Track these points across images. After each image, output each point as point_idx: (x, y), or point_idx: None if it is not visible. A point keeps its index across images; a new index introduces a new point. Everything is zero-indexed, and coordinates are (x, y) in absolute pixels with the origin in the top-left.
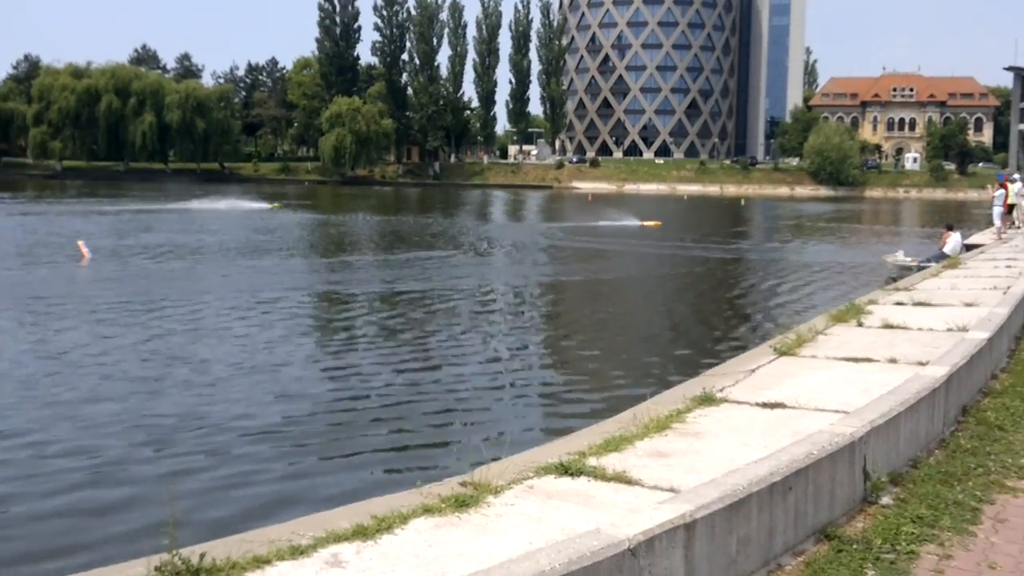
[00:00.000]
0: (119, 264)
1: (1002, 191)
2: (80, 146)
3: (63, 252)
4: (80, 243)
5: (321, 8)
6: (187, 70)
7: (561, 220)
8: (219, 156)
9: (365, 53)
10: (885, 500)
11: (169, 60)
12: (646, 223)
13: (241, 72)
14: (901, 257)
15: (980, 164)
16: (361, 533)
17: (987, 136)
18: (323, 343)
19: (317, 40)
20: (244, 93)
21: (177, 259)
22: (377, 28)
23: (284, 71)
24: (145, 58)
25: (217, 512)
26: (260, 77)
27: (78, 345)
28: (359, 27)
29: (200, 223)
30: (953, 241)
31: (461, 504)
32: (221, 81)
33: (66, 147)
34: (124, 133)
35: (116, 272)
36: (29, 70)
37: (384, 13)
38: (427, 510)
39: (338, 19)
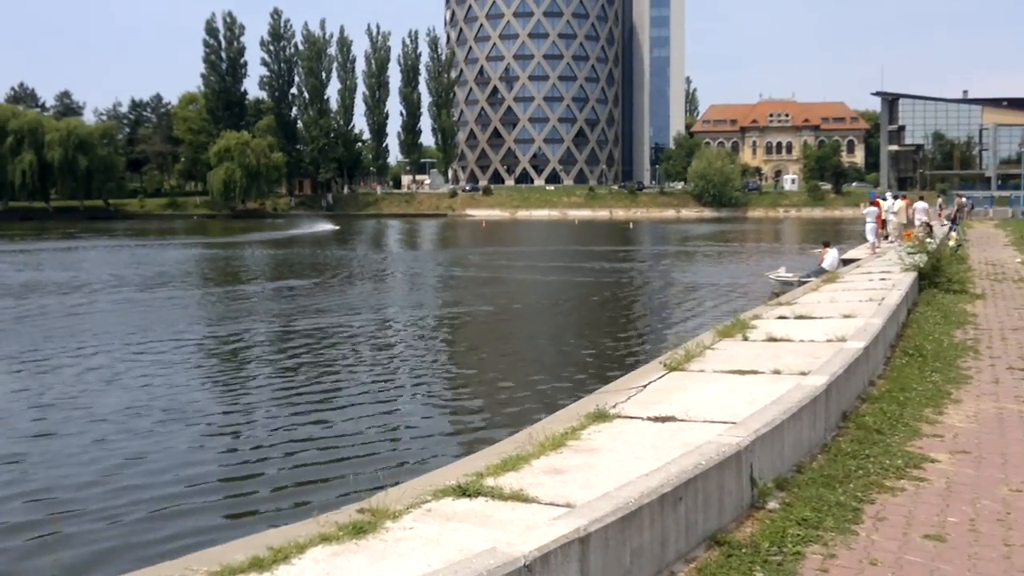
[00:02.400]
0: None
1: (873, 208)
2: None
3: None
4: None
5: (206, 44)
6: (67, 108)
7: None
8: (103, 193)
9: (253, 87)
10: (772, 505)
11: (48, 98)
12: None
13: (124, 108)
14: (783, 273)
15: (854, 183)
16: (257, 565)
17: (859, 157)
18: (218, 378)
19: (203, 75)
20: (128, 129)
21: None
22: (265, 63)
23: (169, 107)
24: (23, 96)
25: (105, 552)
26: (144, 113)
27: None
28: (246, 62)
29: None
30: (831, 257)
31: (359, 531)
32: (104, 118)
33: None
34: (1, 172)
35: None
36: None
37: (271, 48)
38: (324, 538)
39: (224, 55)
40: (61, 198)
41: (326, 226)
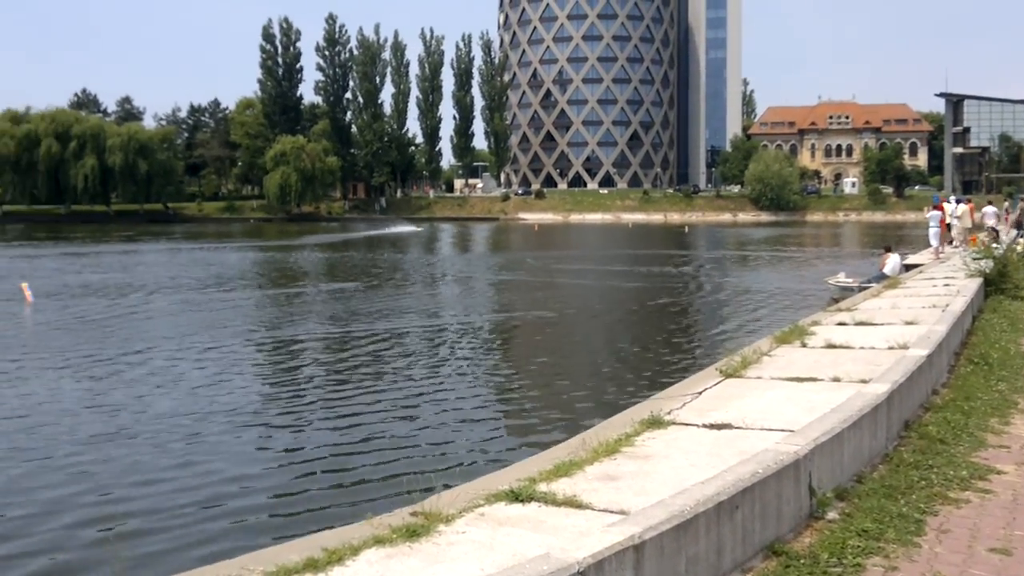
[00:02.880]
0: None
1: (937, 212)
2: (20, 191)
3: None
4: (23, 285)
5: (263, 50)
6: (128, 113)
7: None
8: (162, 197)
9: (308, 92)
10: (831, 515)
11: (110, 103)
12: None
13: (183, 113)
14: (843, 278)
15: (916, 187)
16: (312, 566)
17: (922, 160)
18: (273, 380)
19: (259, 81)
20: (187, 134)
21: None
22: (320, 68)
23: (226, 111)
24: (86, 102)
25: (165, 552)
26: (202, 118)
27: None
28: (301, 67)
29: None
30: (892, 262)
31: (412, 534)
32: (163, 123)
33: (6, 192)
34: (65, 177)
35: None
36: None
37: (326, 53)
38: (378, 541)
39: (280, 60)
40: (122, 202)
41: (407, 228)
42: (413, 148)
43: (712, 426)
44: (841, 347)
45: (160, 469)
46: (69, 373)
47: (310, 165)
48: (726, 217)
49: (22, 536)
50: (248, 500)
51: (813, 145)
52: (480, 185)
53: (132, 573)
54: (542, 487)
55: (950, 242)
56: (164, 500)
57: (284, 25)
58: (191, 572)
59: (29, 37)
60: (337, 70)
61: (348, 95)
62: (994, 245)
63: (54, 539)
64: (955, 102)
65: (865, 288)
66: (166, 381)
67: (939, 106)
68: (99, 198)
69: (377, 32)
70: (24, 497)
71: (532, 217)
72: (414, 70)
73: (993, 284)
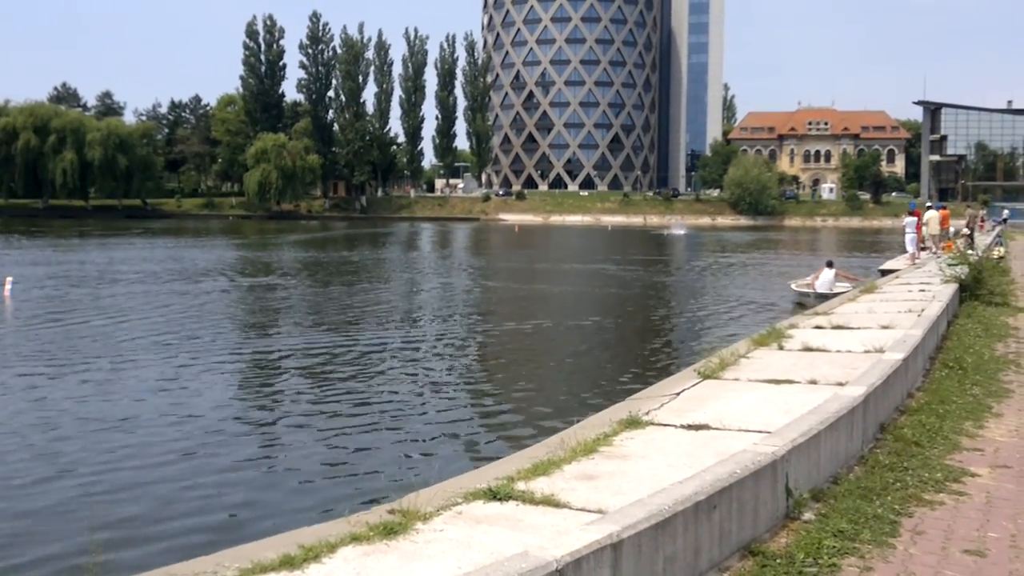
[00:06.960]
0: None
1: (913, 219)
2: None
3: None
4: (7, 279)
5: (246, 47)
6: (108, 108)
7: None
8: (141, 192)
9: (290, 90)
10: (807, 516)
11: (90, 98)
12: None
13: (164, 109)
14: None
15: (894, 193)
16: (288, 563)
17: (899, 167)
18: (250, 381)
19: (242, 77)
20: (167, 130)
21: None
22: (303, 66)
23: (208, 108)
24: (65, 96)
25: (142, 548)
26: (183, 114)
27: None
28: (284, 65)
29: None
30: (824, 278)
31: (389, 531)
32: (143, 118)
33: None
34: (43, 171)
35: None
36: None
37: (310, 51)
38: (355, 538)
39: (263, 57)
40: (100, 197)
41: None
42: (395, 147)
43: (690, 427)
44: (818, 350)
45: (134, 466)
46: (55, 374)
47: (291, 163)
48: (705, 220)
49: None
50: (224, 497)
51: (792, 150)
52: (461, 185)
53: (107, 567)
54: (520, 486)
55: (924, 248)
56: (139, 496)
57: (268, 22)
58: (166, 568)
59: (9, 29)
60: (320, 68)
61: (331, 93)
62: (969, 251)
63: (25, 533)
64: (933, 110)
65: (840, 293)
66: (139, 379)
67: (917, 114)
68: (77, 193)
69: (361, 31)
70: None
71: (512, 218)
72: (397, 69)
73: (968, 290)
